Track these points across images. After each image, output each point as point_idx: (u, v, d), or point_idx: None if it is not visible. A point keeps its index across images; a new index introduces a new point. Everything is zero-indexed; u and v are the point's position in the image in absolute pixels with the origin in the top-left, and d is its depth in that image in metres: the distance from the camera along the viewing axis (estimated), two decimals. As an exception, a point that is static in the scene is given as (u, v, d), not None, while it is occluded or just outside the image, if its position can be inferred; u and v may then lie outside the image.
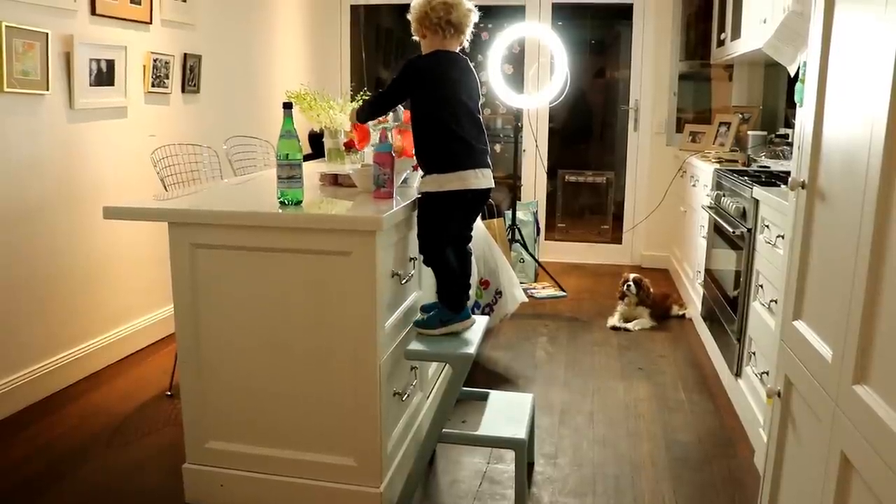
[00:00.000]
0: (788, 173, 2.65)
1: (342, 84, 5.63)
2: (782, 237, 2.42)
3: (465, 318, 2.35)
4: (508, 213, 4.98)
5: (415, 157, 2.36)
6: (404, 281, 2.29)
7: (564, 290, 4.78)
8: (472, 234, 2.48)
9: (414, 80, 2.28)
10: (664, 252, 5.55)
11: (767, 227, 2.65)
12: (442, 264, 2.31)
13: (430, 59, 2.32)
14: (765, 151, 4.06)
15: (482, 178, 2.27)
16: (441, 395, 2.31)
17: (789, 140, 3.93)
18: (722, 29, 4.78)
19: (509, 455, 2.50)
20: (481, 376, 3.32)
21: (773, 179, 2.99)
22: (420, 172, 2.36)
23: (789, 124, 4.15)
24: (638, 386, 3.27)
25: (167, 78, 3.70)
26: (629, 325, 4.06)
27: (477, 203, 2.36)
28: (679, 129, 5.47)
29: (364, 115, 2.45)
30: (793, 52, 2.70)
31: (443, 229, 2.30)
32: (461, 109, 2.26)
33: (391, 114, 2.58)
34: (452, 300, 2.33)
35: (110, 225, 3.23)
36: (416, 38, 2.37)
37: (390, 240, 2.14)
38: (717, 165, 3.85)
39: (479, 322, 2.42)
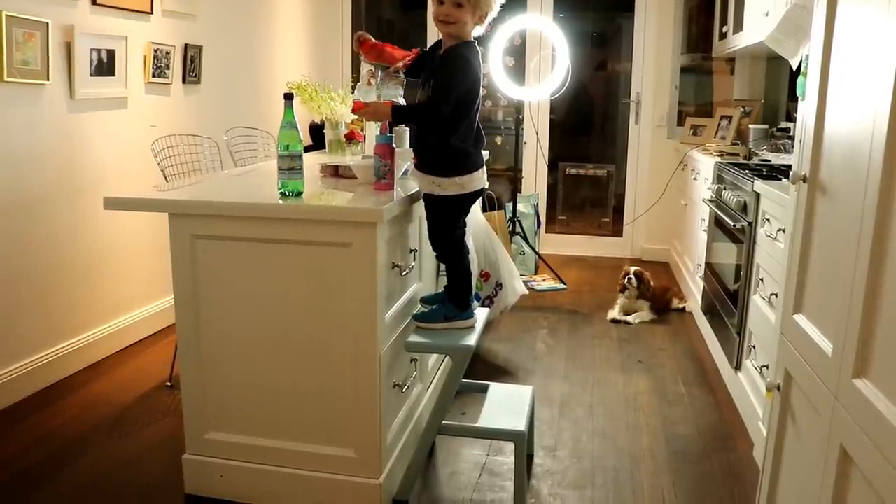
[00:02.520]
0: (789, 167, 2.65)
1: (343, 75, 5.62)
2: (783, 231, 2.42)
3: (469, 317, 2.35)
4: (509, 206, 4.98)
5: (421, 155, 2.24)
6: (404, 273, 2.29)
7: (565, 283, 4.79)
8: (473, 226, 2.47)
9: (471, 77, 2.11)
10: (665, 245, 5.54)
11: (768, 220, 2.65)
12: (459, 263, 2.30)
13: (475, 51, 2.15)
14: (766, 145, 4.05)
15: (485, 174, 2.27)
16: (441, 387, 2.32)
17: (791, 134, 3.92)
18: (724, 22, 4.77)
19: (509, 447, 2.51)
20: (481, 368, 3.32)
21: (774, 173, 2.98)
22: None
23: (791, 118, 4.14)
24: (638, 379, 3.27)
25: (168, 69, 3.70)
26: (629, 318, 4.06)
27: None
28: (680, 123, 5.46)
29: (414, 119, 2.21)
30: (795, 46, 2.69)
31: (457, 226, 2.29)
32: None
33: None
34: (462, 300, 2.33)
35: (111, 215, 3.23)
36: (449, 14, 2.07)
37: (391, 231, 2.14)
38: (718, 159, 3.85)
39: (480, 314, 2.42)
